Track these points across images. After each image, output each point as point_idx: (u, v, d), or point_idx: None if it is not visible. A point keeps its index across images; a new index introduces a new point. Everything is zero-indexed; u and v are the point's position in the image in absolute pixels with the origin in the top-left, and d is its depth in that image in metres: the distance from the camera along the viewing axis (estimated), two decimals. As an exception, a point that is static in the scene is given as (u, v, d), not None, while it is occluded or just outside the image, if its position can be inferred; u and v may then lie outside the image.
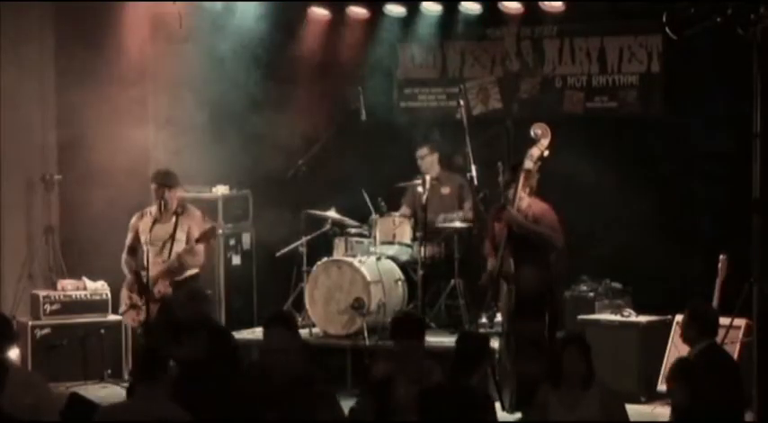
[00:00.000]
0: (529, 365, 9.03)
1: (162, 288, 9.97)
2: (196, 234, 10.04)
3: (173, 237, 9.98)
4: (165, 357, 6.88)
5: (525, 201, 9.33)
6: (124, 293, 10.28)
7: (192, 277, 10.12)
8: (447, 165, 11.61)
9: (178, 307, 8.92)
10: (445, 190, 11.58)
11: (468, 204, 11.44)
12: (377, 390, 6.98)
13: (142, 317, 9.99)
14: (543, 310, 9.18)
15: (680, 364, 7.40)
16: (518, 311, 9.21)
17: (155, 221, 10.08)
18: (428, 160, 11.51)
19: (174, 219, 10.03)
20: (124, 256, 10.25)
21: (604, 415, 7.24)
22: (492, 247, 9.52)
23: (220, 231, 11.44)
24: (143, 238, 10.12)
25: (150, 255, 9.96)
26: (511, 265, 9.21)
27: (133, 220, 10.29)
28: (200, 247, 10.09)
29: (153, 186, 10.17)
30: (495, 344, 9.80)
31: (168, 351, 7.76)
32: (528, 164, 9.28)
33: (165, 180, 10.15)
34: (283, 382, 6.65)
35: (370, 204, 11.39)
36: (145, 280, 9.92)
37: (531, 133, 9.33)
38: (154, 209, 10.17)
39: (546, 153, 9.30)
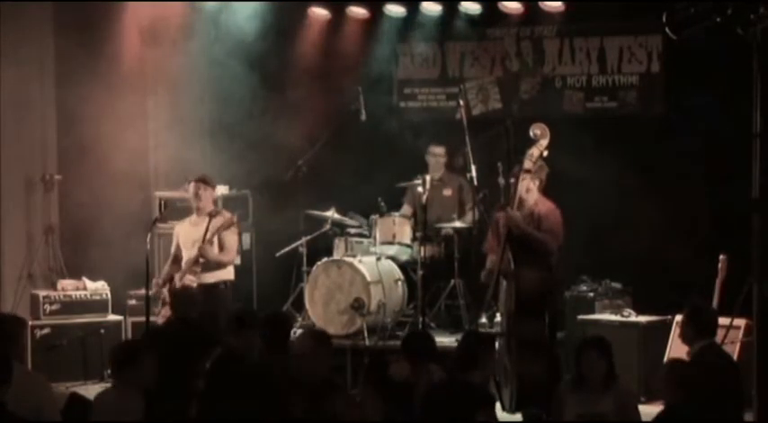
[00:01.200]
0: (529, 366, 9.04)
1: (185, 281, 9.99)
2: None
3: (203, 238, 10.01)
4: (137, 355, 6.89)
5: (534, 196, 9.33)
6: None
7: (221, 284, 10.12)
8: (448, 165, 11.63)
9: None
10: (447, 191, 11.60)
11: (467, 207, 11.44)
12: (398, 392, 6.92)
13: (166, 313, 10.02)
14: (543, 311, 9.17)
15: (672, 365, 7.40)
16: (518, 312, 9.20)
17: (189, 224, 10.23)
18: (441, 160, 11.54)
19: (207, 220, 10.06)
20: (165, 268, 10.31)
21: (620, 414, 7.27)
22: (494, 243, 9.51)
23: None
24: (180, 242, 10.24)
25: (185, 257, 10.10)
26: (510, 263, 9.21)
27: (176, 227, 10.42)
28: (231, 243, 10.12)
29: (191, 185, 10.29)
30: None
31: (226, 342, 7.84)
32: (527, 164, 9.30)
33: (201, 177, 10.33)
34: (310, 384, 6.75)
35: (363, 223, 11.45)
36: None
37: (531, 133, 9.35)
38: (194, 215, 10.28)
39: (545, 153, 9.32)
